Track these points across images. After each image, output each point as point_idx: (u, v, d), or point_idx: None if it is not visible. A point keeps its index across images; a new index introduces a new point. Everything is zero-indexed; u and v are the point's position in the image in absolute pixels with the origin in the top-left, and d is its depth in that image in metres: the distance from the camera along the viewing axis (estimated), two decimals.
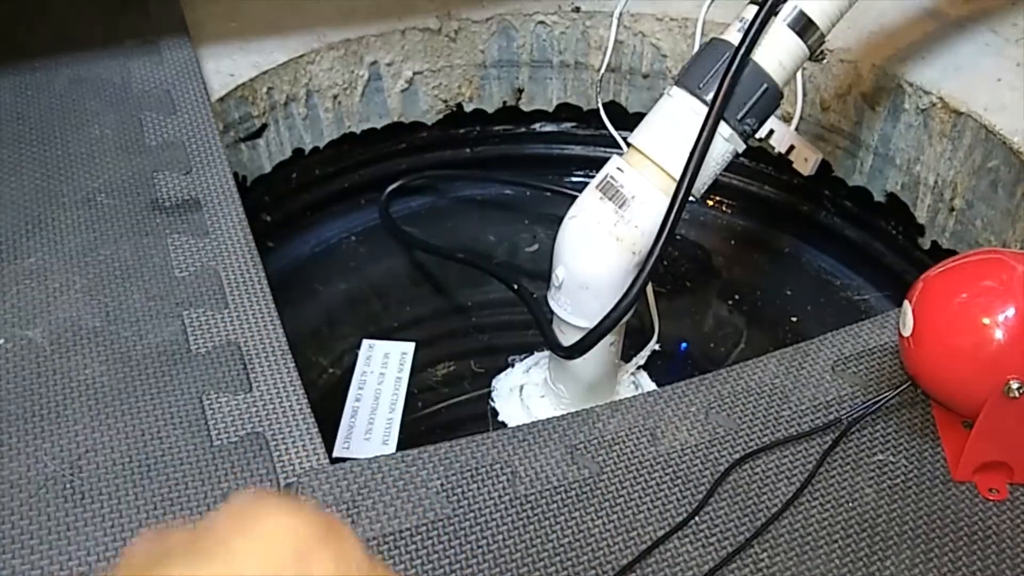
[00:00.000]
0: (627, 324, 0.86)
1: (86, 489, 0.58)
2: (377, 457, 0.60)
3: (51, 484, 0.58)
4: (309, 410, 0.63)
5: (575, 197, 1.11)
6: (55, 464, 0.59)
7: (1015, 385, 0.52)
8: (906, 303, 0.57)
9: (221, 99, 0.95)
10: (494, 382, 0.96)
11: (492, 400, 0.94)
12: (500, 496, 0.57)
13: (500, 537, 0.55)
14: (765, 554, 0.54)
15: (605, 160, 1.17)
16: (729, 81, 0.73)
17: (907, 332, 0.56)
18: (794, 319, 1.07)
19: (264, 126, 1.02)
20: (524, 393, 0.94)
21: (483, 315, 1.09)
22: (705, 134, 0.73)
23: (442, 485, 0.58)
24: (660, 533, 0.54)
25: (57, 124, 0.88)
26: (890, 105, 1.00)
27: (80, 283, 0.72)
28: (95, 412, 0.62)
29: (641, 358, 0.93)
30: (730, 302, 1.10)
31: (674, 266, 1.13)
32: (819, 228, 1.13)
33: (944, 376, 0.55)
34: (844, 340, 0.68)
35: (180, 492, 0.57)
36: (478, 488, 0.58)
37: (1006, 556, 0.53)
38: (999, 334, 0.52)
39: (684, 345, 1.05)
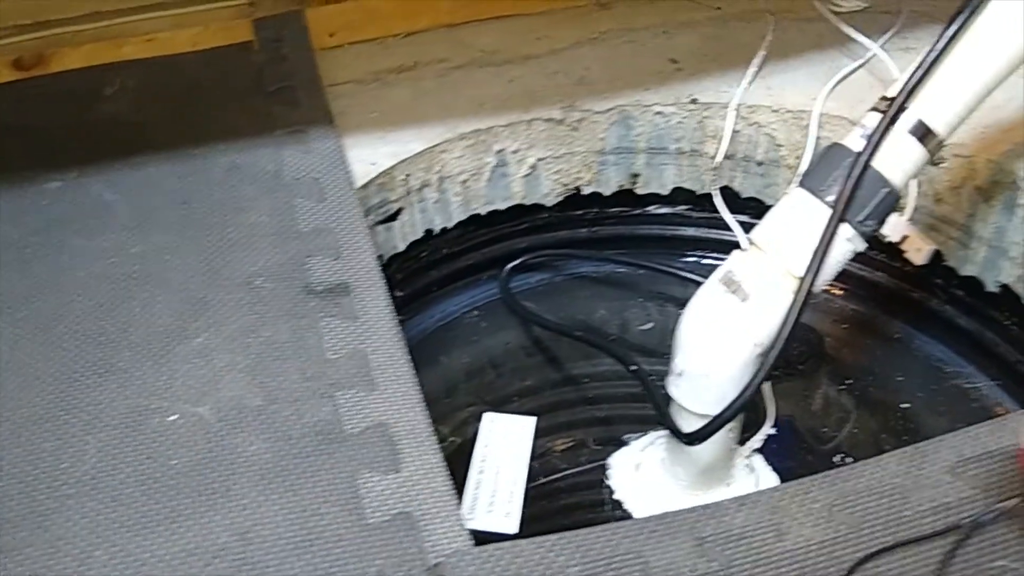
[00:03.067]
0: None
1: (255, 561, 0.63)
2: (518, 542, 0.65)
3: (223, 554, 0.64)
4: (454, 491, 0.69)
5: (687, 278, 1.16)
6: (226, 536, 0.65)
7: None
8: None
9: (363, 186, 1.02)
10: (610, 459, 1.00)
11: (607, 477, 0.98)
12: None
13: None
14: None
15: (716, 242, 1.23)
16: (851, 187, 0.77)
17: None
18: (904, 405, 1.08)
19: (400, 209, 1.09)
20: (640, 471, 0.98)
21: (598, 390, 1.14)
22: (827, 236, 0.77)
23: (579, 571, 0.62)
24: None
25: (217, 210, 0.96)
26: (1005, 199, 1.02)
27: (243, 363, 0.79)
28: (260, 488, 0.69)
29: (757, 442, 0.96)
30: (841, 386, 1.12)
31: (786, 349, 1.16)
32: (931, 315, 1.15)
33: None
34: (963, 441, 0.70)
35: (339, 568, 0.63)
36: None
37: None
38: None
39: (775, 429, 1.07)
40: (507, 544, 0.65)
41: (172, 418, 0.74)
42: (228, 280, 0.87)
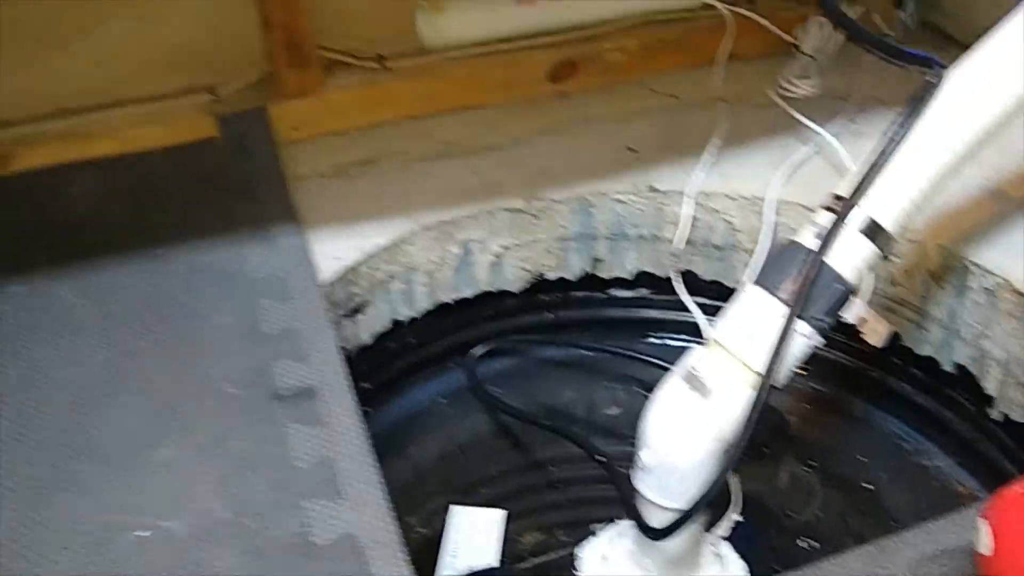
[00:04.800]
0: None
1: None
2: None
3: None
4: None
5: (650, 361, 1.18)
6: None
7: None
8: (982, 521, 0.61)
9: (329, 283, 1.03)
10: (578, 551, 1.00)
11: (576, 570, 0.99)
12: None
13: None
14: None
15: (679, 323, 1.25)
16: (806, 284, 0.79)
17: (986, 552, 0.60)
18: (868, 485, 1.10)
19: (366, 302, 1.10)
20: (608, 563, 0.98)
21: (566, 474, 1.15)
22: (784, 333, 0.79)
23: None
24: None
25: (182, 313, 0.96)
26: (956, 283, 1.05)
27: (212, 474, 0.79)
28: None
29: (724, 530, 0.97)
30: (805, 466, 1.14)
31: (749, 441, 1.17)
32: (890, 394, 1.17)
33: None
34: (923, 539, 0.72)
35: None
36: None
37: None
38: None
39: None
40: None
41: (142, 534, 0.74)
42: (195, 386, 0.87)
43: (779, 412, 1.20)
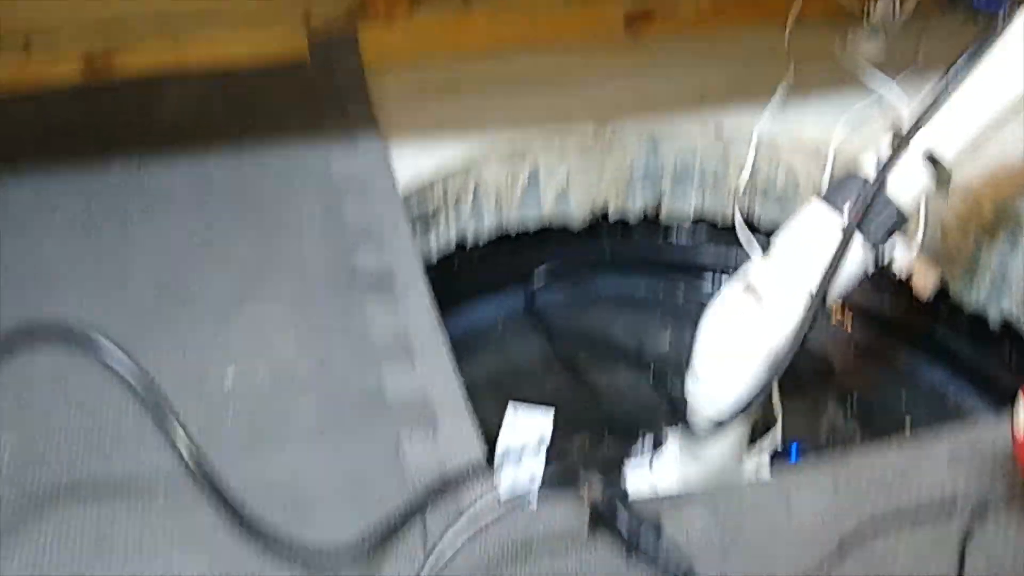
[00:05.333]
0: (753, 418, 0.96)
1: (305, 498, 0.69)
2: (545, 495, 0.70)
3: (276, 489, 0.70)
4: (485, 455, 0.74)
5: (705, 302, 1.22)
6: (279, 475, 0.71)
7: None
8: (1019, 400, 0.65)
9: (406, 192, 1.09)
10: (627, 463, 1.05)
11: (623, 482, 1.03)
12: None
13: None
14: None
15: (735, 268, 1.30)
16: (865, 204, 0.83)
17: (1017, 430, 0.64)
18: (906, 431, 1.14)
19: (436, 217, 1.16)
20: (654, 474, 1.03)
21: (615, 398, 1.20)
22: (841, 247, 0.83)
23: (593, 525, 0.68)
24: None
25: (272, 201, 1.03)
26: (1009, 237, 1.08)
27: (294, 334, 0.85)
28: (310, 439, 0.75)
29: (765, 443, 1.01)
30: (847, 409, 1.18)
31: (797, 371, 1.21)
32: (935, 346, 1.21)
33: None
34: (963, 436, 0.76)
35: (383, 514, 0.68)
36: None
37: None
38: None
39: (794, 446, 1.13)
40: (533, 496, 0.70)
41: (229, 376, 0.80)
42: (282, 261, 0.94)
43: (827, 359, 1.24)
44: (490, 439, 1.10)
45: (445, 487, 0.70)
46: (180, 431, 0.60)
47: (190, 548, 0.65)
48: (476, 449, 0.75)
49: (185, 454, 0.59)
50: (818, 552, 0.66)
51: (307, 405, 0.78)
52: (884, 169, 0.84)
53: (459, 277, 1.27)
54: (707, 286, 1.32)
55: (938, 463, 0.74)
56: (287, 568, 0.63)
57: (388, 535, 0.65)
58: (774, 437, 1.03)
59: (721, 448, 0.95)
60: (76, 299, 0.89)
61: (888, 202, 0.85)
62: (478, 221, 1.22)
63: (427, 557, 0.60)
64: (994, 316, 1.13)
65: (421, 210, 1.14)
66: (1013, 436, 0.65)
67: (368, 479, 0.71)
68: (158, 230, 0.98)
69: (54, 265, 0.93)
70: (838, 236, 0.83)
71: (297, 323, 0.86)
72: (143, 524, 0.67)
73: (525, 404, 1.11)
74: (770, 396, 1.05)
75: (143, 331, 0.84)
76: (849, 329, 1.27)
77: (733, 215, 1.24)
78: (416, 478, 0.71)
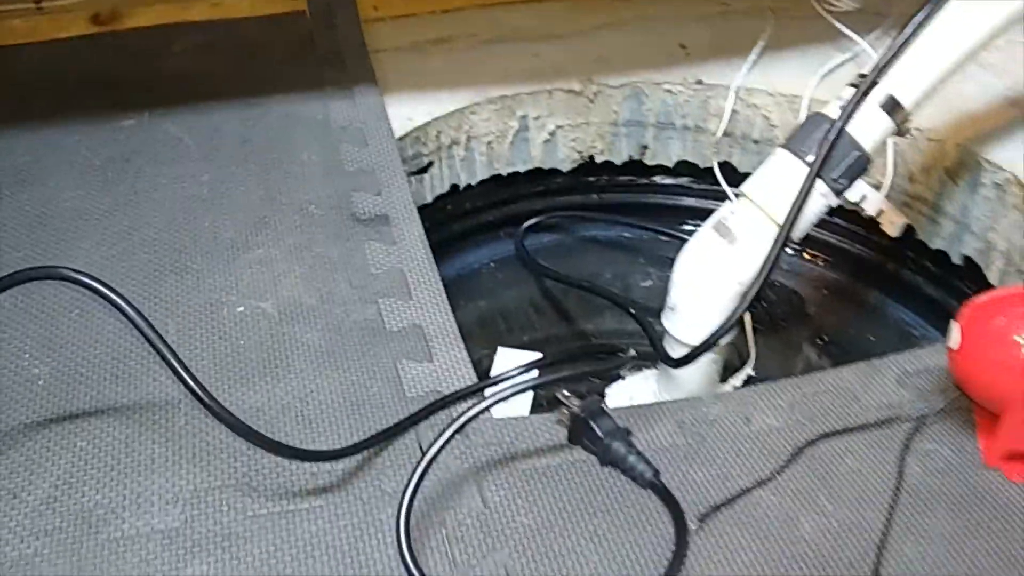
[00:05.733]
0: (728, 358, 1.04)
1: (312, 418, 0.76)
2: (529, 416, 0.78)
3: (287, 411, 0.77)
4: (476, 377, 0.82)
5: (686, 241, 1.29)
6: (288, 398, 0.78)
7: None
8: (955, 323, 0.73)
9: (400, 138, 1.15)
10: (607, 390, 1.12)
11: (604, 406, 1.11)
12: None
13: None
14: (832, 504, 0.70)
15: (714, 210, 1.36)
16: (827, 148, 0.90)
17: (954, 346, 0.72)
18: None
19: (430, 163, 1.23)
20: (633, 400, 1.10)
21: (600, 335, 1.27)
22: (804, 190, 0.90)
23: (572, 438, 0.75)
24: (746, 484, 0.71)
25: (274, 148, 1.09)
26: (970, 179, 1.15)
27: (299, 271, 0.92)
28: (316, 366, 0.82)
29: (737, 378, 1.09)
30: (818, 344, 1.25)
31: (772, 309, 1.29)
32: (902, 284, 1.28)
33: (982, 381, 0.71)
34: (910, 359, 0.84)
35: (383, 426, 0.76)
36: None
37: (1018, 520, 0.68)
38: None
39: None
40: (519, 417, 0.78)
41: (239, 309, 0.87)
42: (285, 205, 1.00)
43: (800, 296, 1.32)
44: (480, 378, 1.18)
45: (439, 404, 0.77)
46: (179, 365, 0.66)
47: (209, 461, 0.73)
48: (468, 375, 0.82)
49: (190, 382, 0.66)
50: (773, 461, 0.73)
51: (313, 336, 0.85)
52: (846, 115, 0.91)
53: (452, 221, 1.33)
54: (689, 228, 1.39)
55: (886, 382, 0.81)
56: (294, 469, 0.71)
57: (386, 439, 0.73)
58: (746, 372, 1.10)
59: (695, 376, 1.02)
60: (93, 243, 0.95)
61: (850, 145, 0.91)
62: (470, 165, 1.29)
63: (421, 457, 0.67)
64: (956, 255, 1.20)
65: (415, 154, 1.20)
66: (948, 348, 0.73)
67: (370, 401, 0.78)
68: (167, 177, 1.04)
69: (70, 211, 0.99)
70: (802, 179, 0.90)
71: (301, 262, 0.93)
72: (165, 441, 0.75)
73: (513, 349, 1.18)
74: (744, 332, 1.13)
75: (158, 273, 0.91)
76: (821, 268, 1.34)
77: (713, 165, 1.31)
78: (413, 399, 0.79)
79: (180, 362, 0.66)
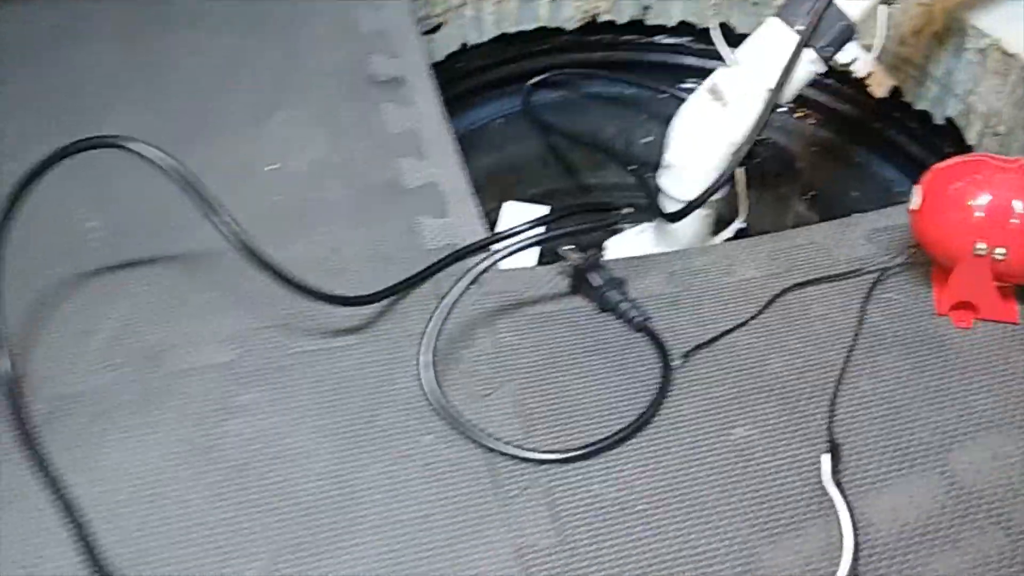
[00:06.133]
0: (718, 213, 1.12)
1: (342, 268, 0.86)
2: (535, 268, 0.87)
3: (319, 262, 0.86)
4: (488, 230, 0.90)
5: (685, 99, 1.36)
6: (321, 250, 0.87)
7: (981, 246, 0.76)
8: (917, 186, 0.81)
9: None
10: (607, 243, 1.21)
11: (604, 256, 1.20)
12: None
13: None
14: (799, 344, 0.80)
15: (712, 70, 1.42)
16: (815, 19, 0.96)
17: (915, 207, 0.80)
18: (857, 215, 1.30)
19: (441, 23, 1.28)
20: (631, 252, 1.20)
21: (603, 193, 1.35)
22: (794, 58, 0.97)
23: (571, 286, 0.85)
24: (725, 328, 0.81)
25: (291, 18, 1.15)
26: (956, 44, 1.21)
27: (322, 133, 1.00)
28: (345, 220, 0.90)
29: (728, 231, 1.17)
30: (807, 199, 1.34)
31: (764, 165, 1.37)
32: (887, 143, 1.35)
33: (937, 240, 0.80)
34: (879, 217, 0.92)
35: (404, 274, 0.85)
36: None
37: (960, 363, 0.79)
38: (977, 212, 0.76)
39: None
40: (527, 268, 0.87)
41: (269, 169, 0.95)
42: (305, 70, 1.07)
43: (790, 153, 1.39)
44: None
45: (454, 256, 0.86)
46: (225, 216, 0.74)
47: (253, 305, 0.82)
48: (480, 229, 0.90)
49: (229, 234, 0.74)
50: (750, 307, 0.83)
51: (338, 193, 0.93)
52: None
53: (462, 78, 1.40)
54: (688, 86, 1.45)
55: (856, 238, 0.91)
56: (329, 312, 0.81)
57: (409, 287, 0.83)
58: (737, 224, 1.19)
59: (689, 230, 1.11)
60: (128, 108, 1.02)
61: (838, 16, 0.98)
62: (479, 25, 1.34)
63: (439, 303, 0.77)
64: (939, 116, 1.27)
65: (426, 16, 1.26)
66: (910, 209, 0.82)
67: (392, 253, 0.87)
68: (193, 47, 1.10)
69: (103, 78, 1.06)
70: (791, 47, 0.97)
71: (323, 124, 1.00)
72: (213, 288, 0.84)
73: (519, 203, 1.26)
74: (735, 188, 1.21)
75: (192, 135, 0.99)
76: (811, 126, 1.41)
77: (711, 26, 1.36)
78: (431, 251, 0.88)
79: (221, 211, 0.75)
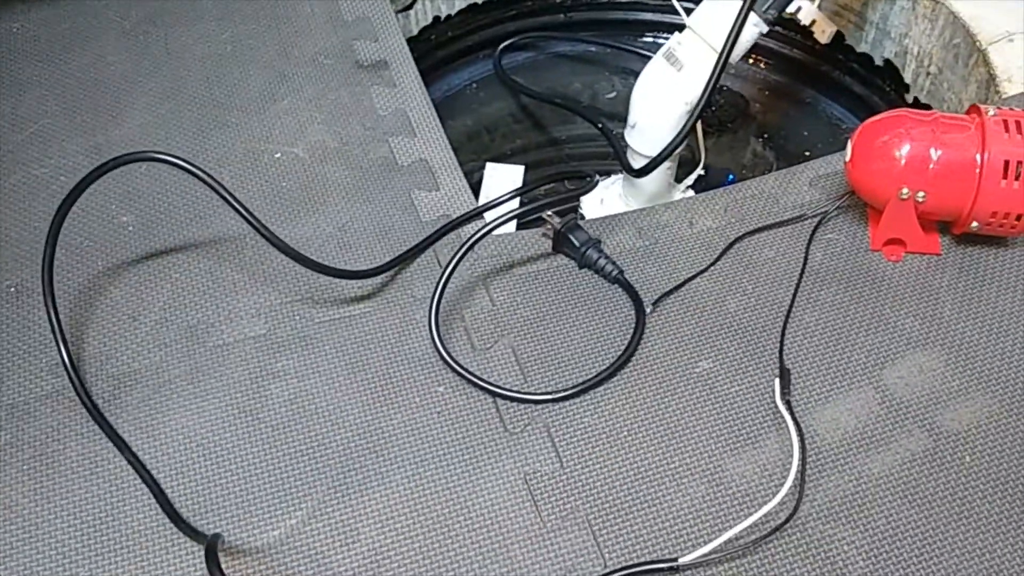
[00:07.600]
0: (682, 157, 1.24)
1: (350, 243, 0.97)
2: (520, 232, 0.99)
3: (329, 239, 0.98)
4: (475, 202, 1.02)
5: (647, 55, 1.47)
6: (330, 228, 0.99)
7: (904, 191, 0.88)
8: (850, 140, 0.93)
9: None
10: (583, 199, 1.33)
11: (580, 207, 1.32)
12: None
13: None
14: (752, 286, 0.92)
15: (671, 24, 1.53)
16: None
17: (848, 159, 0.93)
18: (808, 153, 1.42)
19: (414, 1, 1.38)
20: (604, 204, 1.32)
21: (573, 146, 1.46)
22: (738, 22, 1.07)
23: (551, 245, 0.97)
24: (688, 275, 0.93)
25: (279, 5, 1.24)
26: None
27: (319, 118, 1.10)
28: (347, 199, 1.02)
29: (690, 179, 1.29)
30: (761, 140, 1.46)
31: (720, 112, 1.48)
32: (833, 84, 1.47)
33: (868, 186, 0.92)
34: (820, 165, 1.04)
35: (405, 248, 0.97)
36: None
37: (892, 292, 0.92)
38: (901, 162, 0.89)
39: (731, 177, 1.40)
40: (512, 233, 0.99)
41: (277, 155, 1.06)
42: (298, 58, 1.17)
43: (744, 97, 1.51)
44: (474, 188, 1.37)
45: (449, 226, 0.98)
46: (240, 206, 0.86)
47: (278, 283, 0.94)
48: (469, 200, 1.02)
49: (248, 219, 0.86)
50: (709, 255, 0.96)
51: (340, 174, 1.04)
52: None
53: (437, 48, 1.50)
54: (646, 40, 1.56)
55: (801, 185, 1.03)
56: (344, 285, 0.93)
57: (411, 257, 0.94)
58: (698, 172, 1.31)
59: (654, 182, 1.23)
60: (144, 104, 1.12)
61: None
62: None
63: (442, 272, 0.89)
64: (878, 57, 1.39)
65: None
66: (844, 161, 0.94)
67: (393, 227, 0.99)
68: (192, 36, 1.20)
69: (116, 75, 1.15)
70: (736, 11, 1.08)
71: (320, 109, 1.11)
72: (241, 269, 0.96)
73: (500, 164, 1.37)
74: (696, 139, 1.32)
75: (204, 128, 1.09)
76: (763, 71, 1.52)
77: None
78: (427, 223, 0.99)
79: (245, 208, 0.86)
